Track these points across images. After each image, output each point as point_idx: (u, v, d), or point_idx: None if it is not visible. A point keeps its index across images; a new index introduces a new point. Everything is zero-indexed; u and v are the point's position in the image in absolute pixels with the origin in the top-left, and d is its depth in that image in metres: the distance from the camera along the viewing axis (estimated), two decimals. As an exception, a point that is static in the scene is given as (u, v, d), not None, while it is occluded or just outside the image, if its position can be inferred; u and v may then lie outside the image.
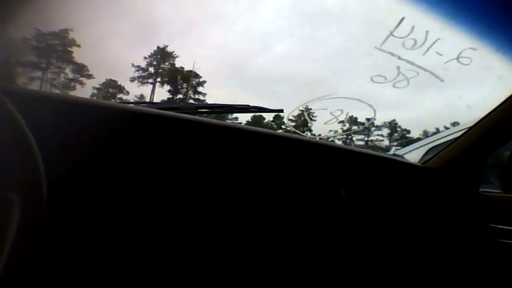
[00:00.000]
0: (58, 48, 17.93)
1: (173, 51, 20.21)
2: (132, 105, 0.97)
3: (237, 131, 0.93)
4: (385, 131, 20.37)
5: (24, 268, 0.43)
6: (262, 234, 0.88)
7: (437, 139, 1.77)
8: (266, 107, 1.22)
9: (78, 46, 18.15)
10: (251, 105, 1.19)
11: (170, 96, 19.56)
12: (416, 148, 1.85)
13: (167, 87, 19.91)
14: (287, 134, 1.05)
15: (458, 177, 1.29)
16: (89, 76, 18.61)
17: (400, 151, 1.97)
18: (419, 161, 1.57)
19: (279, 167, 0.92)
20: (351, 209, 0.98)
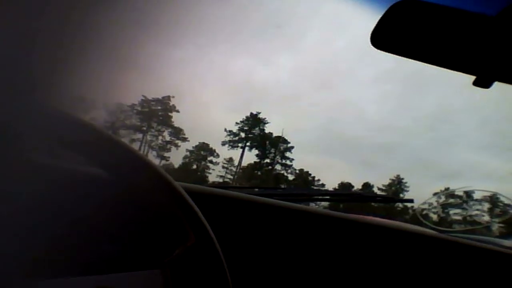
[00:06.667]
0: (160, 113, 20.11)
1: (265, 118, 21.41)
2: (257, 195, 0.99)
3: (362, 225, 0.85)
4: (486, 205, 18.33)
5: None
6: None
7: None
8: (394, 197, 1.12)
9: (177, 111, 20.14)
10: (378, 193, 1.10)
11: (258, 160, 20.42)
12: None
13: (255, 151, 20.98)
14: (412, 227, 0.97)
15: None
16: (184, 139, 20.27)
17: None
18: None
19: (399, 265, 0.85)
20: None
